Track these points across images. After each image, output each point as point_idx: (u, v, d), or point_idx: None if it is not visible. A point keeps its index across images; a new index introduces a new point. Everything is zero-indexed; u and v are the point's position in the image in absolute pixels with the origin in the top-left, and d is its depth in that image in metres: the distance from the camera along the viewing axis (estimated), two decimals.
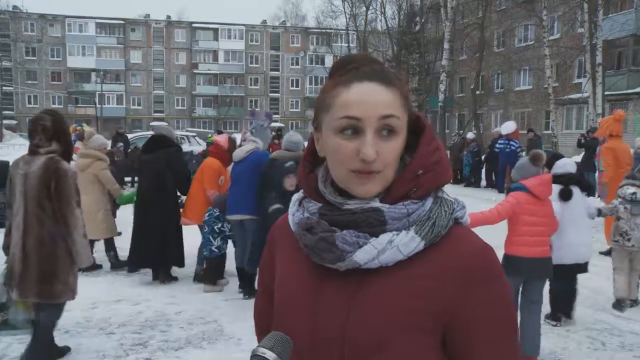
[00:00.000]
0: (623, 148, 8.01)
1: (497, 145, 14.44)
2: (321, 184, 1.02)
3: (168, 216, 5.90)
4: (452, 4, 25.24)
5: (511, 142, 14.04)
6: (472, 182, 16.86)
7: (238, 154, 5.61)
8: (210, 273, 5.85)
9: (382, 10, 36.63)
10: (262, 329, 1.24)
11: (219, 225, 5.72)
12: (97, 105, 43.38)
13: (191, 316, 5.01)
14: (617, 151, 7.86)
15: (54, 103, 52.67)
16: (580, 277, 4.92)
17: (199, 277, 6.03)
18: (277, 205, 4.24)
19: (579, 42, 23.89)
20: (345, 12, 39.00)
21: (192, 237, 6.37)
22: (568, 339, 4.56)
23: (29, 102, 52.83)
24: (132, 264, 6.22)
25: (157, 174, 5.85)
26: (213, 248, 5.72)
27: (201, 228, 6.01)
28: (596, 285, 5.89)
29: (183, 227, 6.13)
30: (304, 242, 1.00)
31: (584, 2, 19.98)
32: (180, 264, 6.09)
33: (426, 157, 0.99)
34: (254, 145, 5.63)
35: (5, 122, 42.29)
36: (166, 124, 43.74)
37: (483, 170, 16.48)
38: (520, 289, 4.08)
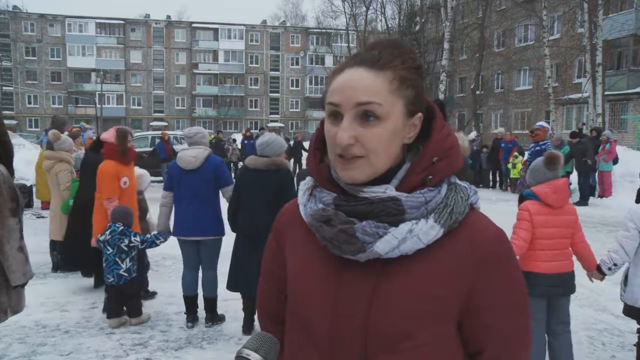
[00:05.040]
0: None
1: (530, 149, 13.78)
2: (334, 172, 1.01)
3: None
4: (452, 4, 25.21)
5: (540, 143, 13.53)
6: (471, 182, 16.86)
7: (190, 161, 4.54)
8: (114, 304, 4.71)
9: (382, 10, 36.72)
10: (268, 314, 1.23)
11: (126, 242, 4.61)
12: (97, 105, 43.32)
13: None
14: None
15: (54, 103, 52.76)
16: (580, 277, 4.87)
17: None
18: None
19: (579, 42, 23.92)
20: (345, 12, 38.92)
21: None
22: None
23: (29, 102, 52.85)
24: (68, 264, 5.96)
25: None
26: (122, 272, 4.58)
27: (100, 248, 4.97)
28: (596, 285, 5.87)
29: None
30: (321, 234, 0.99)
31: (584, 2, 19.97)
32: None
33: (440, 143, 0.98)
34: (207, 150, 4.65)
35: (5, 122, 42.30)
36: (166, 124, 43.78)
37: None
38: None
